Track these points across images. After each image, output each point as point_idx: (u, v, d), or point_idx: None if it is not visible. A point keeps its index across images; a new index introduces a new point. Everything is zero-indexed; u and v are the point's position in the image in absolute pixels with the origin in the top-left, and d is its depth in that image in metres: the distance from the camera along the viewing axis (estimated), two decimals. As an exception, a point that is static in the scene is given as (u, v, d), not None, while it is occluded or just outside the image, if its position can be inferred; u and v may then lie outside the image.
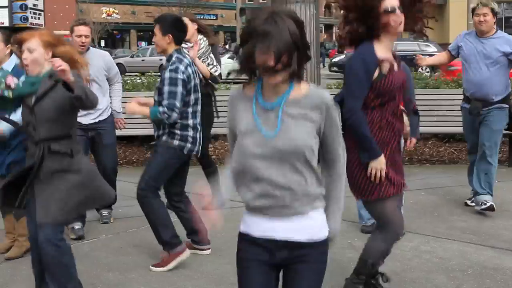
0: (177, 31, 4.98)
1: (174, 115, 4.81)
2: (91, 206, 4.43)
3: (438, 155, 9.28)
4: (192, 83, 4.96)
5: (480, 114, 6.28)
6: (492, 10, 6.20)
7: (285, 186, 2.52)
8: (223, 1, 67.56)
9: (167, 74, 4.85)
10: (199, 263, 5.09)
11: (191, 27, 6.66)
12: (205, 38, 6.68)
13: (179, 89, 4.82)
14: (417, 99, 8.66)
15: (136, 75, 12.41)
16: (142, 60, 32.41)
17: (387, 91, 3.85)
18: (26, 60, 3.98)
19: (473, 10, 6.36)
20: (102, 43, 53.26)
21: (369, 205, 4.12)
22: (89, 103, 3.82)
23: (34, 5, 40.83)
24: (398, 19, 3.82)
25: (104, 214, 6.29)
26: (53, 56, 3.93)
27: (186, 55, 5.10)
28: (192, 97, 4.97)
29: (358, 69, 3.85)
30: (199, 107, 5.11)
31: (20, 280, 4.84)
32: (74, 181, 3.98)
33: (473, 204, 6.45)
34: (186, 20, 6.73)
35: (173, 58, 4.91)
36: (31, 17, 39.33)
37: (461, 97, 8.61)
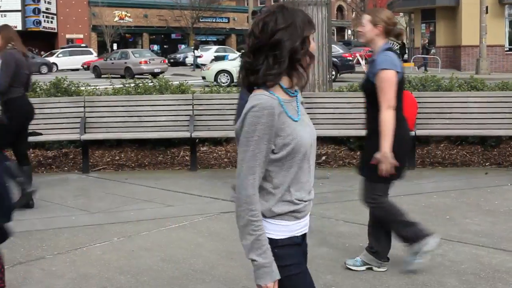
0: None
1: None
2: None
3: (450, 157, 9.23)
4: None
5: None
6: None
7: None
8: (235, 4, 67.71)
9: None
10: (211, 266, 5.09)
11: None
12: None
13: None
14: (429, 102, 8.70)
15: (147, 78, 12.52)
16: (112, 63, 35.98)
17: None
18: None
19: None
20: (115, 46, 53.48)
21: None
22: None
23: (47, 9, 41.15)
24: None
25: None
26: None
27: None
28: None
29: None
30: None
31: (33, 283, 4.87)
32: None
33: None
34: None
35: None
36: (44, 21, 39.53)
37: (474, 99, 8.66)
